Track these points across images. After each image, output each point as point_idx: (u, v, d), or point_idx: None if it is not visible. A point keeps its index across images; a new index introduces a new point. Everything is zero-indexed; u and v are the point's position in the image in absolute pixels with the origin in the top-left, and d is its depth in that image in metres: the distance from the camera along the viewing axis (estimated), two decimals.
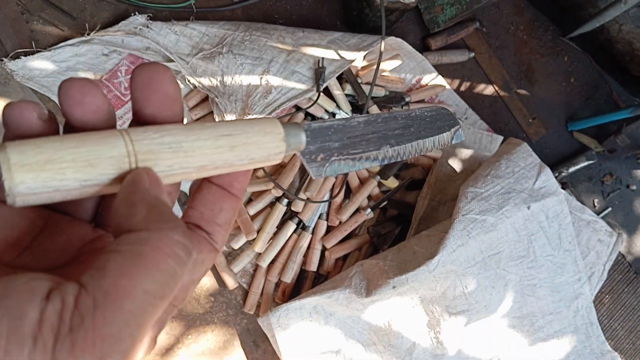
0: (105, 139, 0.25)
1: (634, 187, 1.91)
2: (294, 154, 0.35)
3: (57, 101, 1.19)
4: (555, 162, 1.79)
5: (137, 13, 1.27)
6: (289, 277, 1.32)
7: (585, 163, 1.76)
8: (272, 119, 0.33)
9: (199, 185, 0.32)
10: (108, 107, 0.27)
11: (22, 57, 1.18)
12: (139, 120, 0.29)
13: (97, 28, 1.24)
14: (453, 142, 0.43)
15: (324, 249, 1.37)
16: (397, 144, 0.38)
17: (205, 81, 1.26)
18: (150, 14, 1.29)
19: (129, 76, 1.26)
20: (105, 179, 0.25)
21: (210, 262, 0.31)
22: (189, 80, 1.27)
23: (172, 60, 1.27)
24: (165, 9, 1.32)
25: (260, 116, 1.24)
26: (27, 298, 0.20)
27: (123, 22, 1.25)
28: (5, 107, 0.25)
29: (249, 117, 1.24)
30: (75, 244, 0.28)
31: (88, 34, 1.22)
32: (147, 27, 1.26)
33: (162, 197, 0.25)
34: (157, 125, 0.28)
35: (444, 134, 0.42)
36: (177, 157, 0.27)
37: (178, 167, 0.28)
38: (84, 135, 0.25)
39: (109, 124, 0.28)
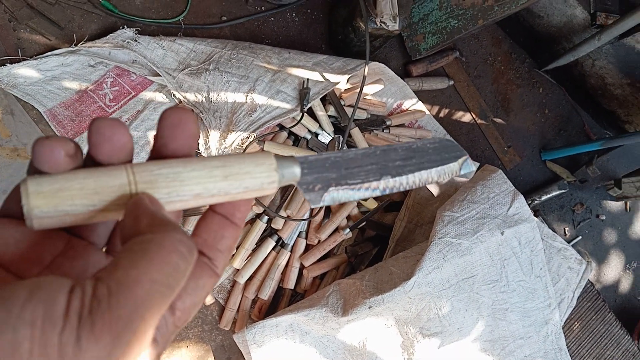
0: (110, 171, 0.30)
1: (604, 217, 1.97)
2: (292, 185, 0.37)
3: (40, 109, 1.19)
4: (528, 190, 1.84)
5: (125, 26, 1.28)
6: (266, 294, 1.32)
7: (557, 192, 1.82)
8: (266, 152, 0.35)
9: (204, 214, 0.35)
10: (132, 144, 0.31)
11: (8, 65, 1.17)
12: (160, 155, 0.33)
13: (85, 39, 1.25)
14: (462, 172, 0.42)
15: (301, 267, 1.38)
16: (399, 175, 0.39)
17: (191, 96, 1.28)
18: (139, 28, 1.30)
19: (115, 88, 1.27)
20: (109, 205, 0.30)
21: (211, 286, 0.34)
22: (174, 95, 1.29)
23: (159, 75, 1.28)
24: (154, 23, 1.33)
25: (244, 133, 1.26)
26: (57, 289, 0.24)
27: (111, 34, 1.26)
28: (36, 144, 0.28)
29: (233, 133, 1.25)
30: (90, 269, 0.33)
31: (75, 45, 1.22)
32: (135, 40, 1.28)
33: (162, 211, 0.29)
34: (158, 160, 0.32)
35: (451, 164, 0.42)
36: (174, 186, 0.31)
37: (175, 195, 0.31)
38: (93, 168, 0.30)
39: (128, 159, 0.32)
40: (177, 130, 0.31)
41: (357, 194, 0.38)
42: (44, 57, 1.20)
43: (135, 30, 1.29)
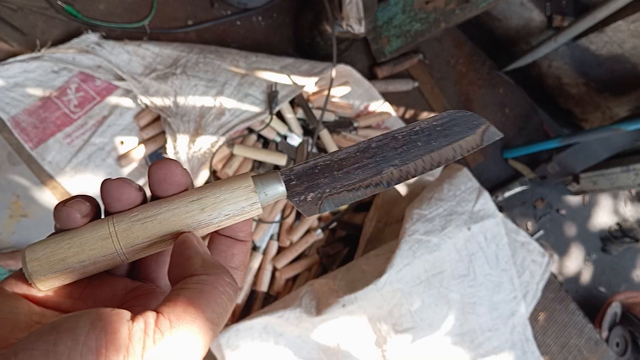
0: (94, 226, 0.32)
1: (564, 212, 2.05)
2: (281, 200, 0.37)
3: (2, 117, 1.17)
4: (491, 187, 1.89)
5: (89, 31, 1.27)
6: (239, 297, 1.32)
7: (519, 188, 1.88)
8: (244, 174, 0.35)
9: (210, 238, 0.37)
10: (142, 198, 0.34)
11: None
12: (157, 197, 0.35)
13: (48, 45, 1.22)
14: (485, 143, 0.38)
15: (274, 270, 1.38)
16: (404, 163, 0.36)
17: (158, 101, 1.27)
18: (103, 33, 1.29)
19: (80, 93, 1.25)
20: (97, 259, 0.32)
21: (234, 300, 0.37)
22: (140, 100, 1.27)
23: (124, 79, 1.27)
24: (118, 28, 1.32)
25: (213, 137, 1.25)
26: (118, 319, 0.26)
27: (75, 39, 1.24)
28: (55, 210, 0.32)
29: (202, 137, 1.25)
30: (119, 293, 0.35)
31: (39, 51, 1.20)
32: (99, 45, 1.26)
33: (208, 252, 0.32)
34: (138, 206, 0.33)
35: (469, 137, 0.37)
36: (153, 228, 0.32)
37: (155, 236, 0.33)
38: (80, 228, 0.32)
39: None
40: (164, 185, 0.34)
41: (356, 194, 0.36)
42: (6, 63, 1.17)
43: (100, 35, 1.27)
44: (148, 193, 0.35)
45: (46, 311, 0.32)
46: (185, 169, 0.34)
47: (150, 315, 0.27)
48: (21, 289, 0.33)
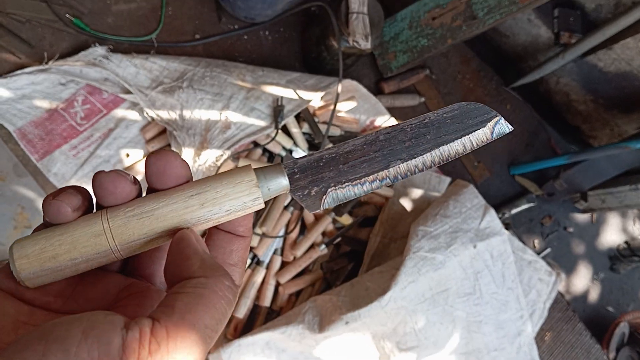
0: (86, 222, 0.30)
1: (571, 229, 2.03)
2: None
3: (9, 128, 1.17)
4: (498, 204, 1.88)
5: (97, 44, 1.27)
6: (242, 312, 1.31)
7: (526, 205, 1.86)
8: (245, 167, 0.33)
9: (208, 233, 0.35)
10: (137, 191, 0.32)
11: None
12: (154, 190, 0.33)
13: (56, 57, 1.23)
14: (494, 136, 0.37)
15: (277, 285, 1.37)
16: (411, 157, 0.35)
17: (164, 114, 1.27)
18: (111, 46, 1.29)
19: (86, 106, 1.26)
20: (90, 256, 0.30)
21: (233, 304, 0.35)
22: (147, 113, 1.28)
23: (131, 92, 1.27)
24: (126, 41, 1.33)
25: (218, 151, 1.25)
26: (110, 328, 0.25)
27: (83, 52, 1.25)
28: (44, 203, 0.30)
29: (207, 150, 1.25)
30: (112, 290, 0.34)
31: (46, 63, 1.21)
32: (107, 58, 1.27)
33: (207, 251, 0.30)
34: (134, 200, 0.32)
35: (479, 130, 0.36)
36: (150, 224, 0.31)
37: (152, 233, 0.31)
38: (72, 222, 0.30)
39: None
40: (163, 177, 0.32)
41: (362, 188, 0.34)
42: (13, 75, 1.18)
43: (107, 48, 1.28)
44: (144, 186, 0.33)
45: (35, 310, 0.31)
46: (185, 161, 0.33)
47: (146, 323, 0.25)
48: (7, 285, 0.31)
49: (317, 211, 0.35)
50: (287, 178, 0.34)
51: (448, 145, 0.36)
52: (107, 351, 0.24)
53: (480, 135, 0.36)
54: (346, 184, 0.34)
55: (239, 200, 0.32)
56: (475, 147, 0.36)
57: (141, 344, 0.25)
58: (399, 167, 0.35)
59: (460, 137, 0.36)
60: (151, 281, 0.36)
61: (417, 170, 0.35)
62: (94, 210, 0.33)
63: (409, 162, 0.35)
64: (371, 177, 0.34)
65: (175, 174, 0.32)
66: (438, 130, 0.36)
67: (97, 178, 0.30)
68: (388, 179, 0.35)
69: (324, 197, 0.34)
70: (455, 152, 0.36)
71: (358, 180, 0.34)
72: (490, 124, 0.36)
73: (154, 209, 0.31)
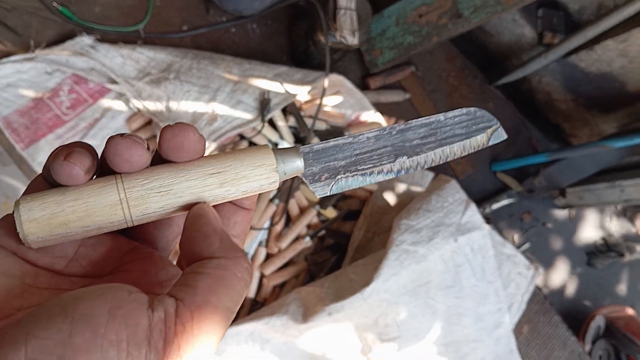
0: (101, 189, 0.29)
1: (550, 225, 2.07)
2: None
3: None
4: (479, 199, 1.91)
5: (84, 34, 1.27)
6: None
7: (507, 201, 1.90)
8: (265, 149, 0.33)
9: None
10: (149, 160, 0.31)
11: None
12: (165, 160, 0.33)
13: (42, 46, 1.23)
14: (491, 142, 0.39)
15: (262, 276, 1.38)
16: (416, 154, 0.37)
17: (151, 105, 1.27)
18: (98, 36, 1.29)
19: (72, 95, 1.26)
20: (103, 225, 0.30)
21: (249, 286, 0.36)
22: (133, 104, 1.28)
23: (117, 83, 1.27)
24: (113, 31, 1.32)
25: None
26: (137, 307, 0.25)
27: (69, 41, 1.24)
28: (54, 163, 0.28)
29: None
30: (116, 254, 0.33)
31: (32, 52, 1.20)
32: (94, 48, 1.27)
33: (224, 228, 0.30)
34: (149, 169, 0.31)
35: (477, 136, 0.38)
36: (168, 199, 0.31)
37: (169, 207, 0.31)
38: (84, 186, 0.29)
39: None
40: (181, 153, 0.31)
41: (368, 179, 0.36)
42: None
43: (94, 37, 1.27)
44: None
45: (39, 271, 0.30)
46: (203, 136, 0.32)
47: (170, 304, 0.25)
48: (8, 243, 0.29)
49: (324, 195, 0.36)
50: (303, 162, 0.34)
51: (450, 146, 0.37)
52: (135, 333, 0.24)
53: (478, 141, 0.38)
54: (354, 173, 0.35)
55: (256, 183, 0.33)
56: (472, 150, 0.38)
57: (167, 326, 0.24)
58: (404, 162, 0.36)
59: (461, 141, 0.37)
60: (154, 246, 0.36)
61: (419, 167, 0.37)
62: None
63: (414, 158, 0.36)
64: (377, 168, 0.36)
65: (193, 149, 0.31)
66: (444, 132, 0.37)
67: (112, 144, 0.29)
68: (392, 173, 0.36)
69: (333, 183, 0.35)
70: (454, 153, 0.38)
71: (366, 171, 0.35)
72: (489, 131, 0.38)
73: (172, 183, 0.31)
